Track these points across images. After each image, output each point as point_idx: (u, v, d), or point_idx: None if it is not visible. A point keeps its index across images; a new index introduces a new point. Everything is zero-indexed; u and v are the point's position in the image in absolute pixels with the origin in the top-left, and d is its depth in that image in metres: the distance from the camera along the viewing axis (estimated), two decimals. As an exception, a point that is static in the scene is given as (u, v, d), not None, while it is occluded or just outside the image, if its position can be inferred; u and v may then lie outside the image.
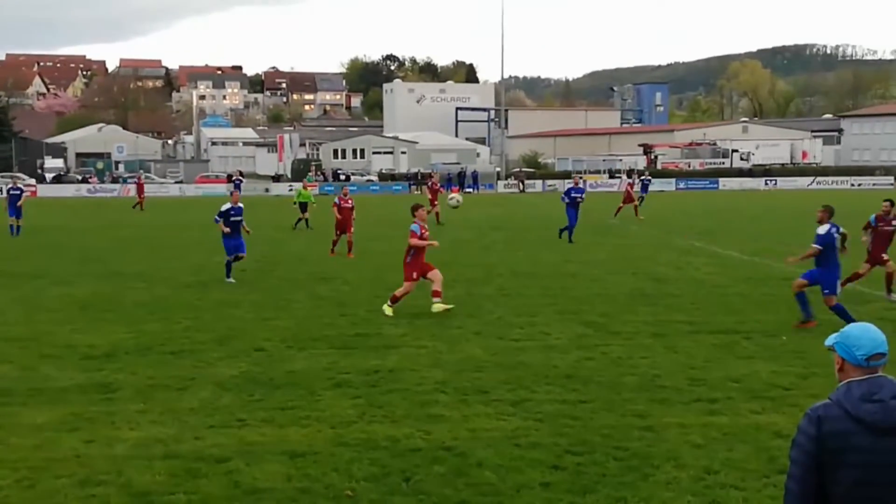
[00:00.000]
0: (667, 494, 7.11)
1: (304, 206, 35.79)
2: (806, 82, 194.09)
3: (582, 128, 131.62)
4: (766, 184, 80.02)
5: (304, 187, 38.76)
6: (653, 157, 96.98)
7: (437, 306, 15.00)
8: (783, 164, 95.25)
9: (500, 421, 9.10)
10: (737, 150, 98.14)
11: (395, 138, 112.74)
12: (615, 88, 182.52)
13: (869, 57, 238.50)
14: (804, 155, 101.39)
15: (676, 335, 13.42)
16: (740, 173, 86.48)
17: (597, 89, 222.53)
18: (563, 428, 8.82)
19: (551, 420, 9.09)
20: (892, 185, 77.57)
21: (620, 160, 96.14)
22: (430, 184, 40.33)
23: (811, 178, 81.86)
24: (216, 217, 19.79)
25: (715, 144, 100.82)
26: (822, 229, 13.55)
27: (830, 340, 3.77)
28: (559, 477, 7.49)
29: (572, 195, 28.88)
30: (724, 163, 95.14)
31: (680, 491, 7.17)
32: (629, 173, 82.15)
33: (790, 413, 9.03)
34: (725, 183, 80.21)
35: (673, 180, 79.29)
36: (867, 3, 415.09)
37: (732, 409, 9.44)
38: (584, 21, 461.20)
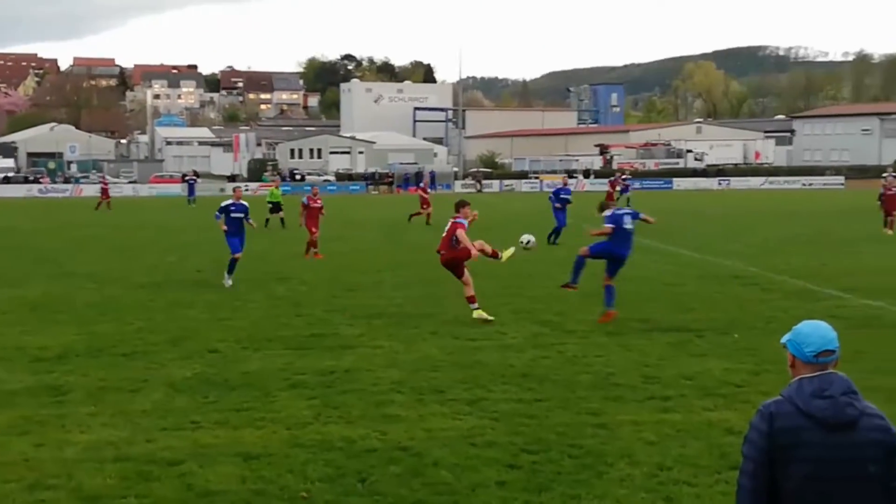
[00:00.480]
0: (621, 491, 7.16)
1: (276, 206, 35.53)
2: (759, 83, 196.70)
3: (539, 128, 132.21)
4: (720, 184, 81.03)
5: (276, 186, 38.54)
6: (609, 157, 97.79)
7: (481, 312, 14.49)
8: (736, 165, 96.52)
9: (457, 420, 9.11)
10: (691, 151, 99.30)
11: (353, 138, 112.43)
12: (572, 89, 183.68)
13: (821, 59, 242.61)
14: (757, 155, 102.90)
15: (631, 333, 13.52)
16: (694, 173, 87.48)
17: (554, 90, 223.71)
18: (519, 427, 8.84)
19: (507, 419, 9.11)
20: (842, 185, 78.94)
21: (577, 160, 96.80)
22: (421, 185, 39.92)
23: (763, 179, 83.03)
24: (217, 213, 19.23)
25: (669, 145, 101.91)
26: (608, 212, 14.58)
27: (785, 338, 3.83)
28: (515, 476, 7.51)
29: (561, 196, 28.45)
30: (678, 163, 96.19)
31: (633, 488, 7.23)
32: (586, 173, 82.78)
33: (742, 410, 9.14)
34: (680, 183, 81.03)
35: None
36: (819, 5, 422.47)
37: (685, 407, 9.54)
38: (541, 22, 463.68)
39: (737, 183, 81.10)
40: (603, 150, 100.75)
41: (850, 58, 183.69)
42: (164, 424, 8.98)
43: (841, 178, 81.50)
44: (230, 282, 18.66)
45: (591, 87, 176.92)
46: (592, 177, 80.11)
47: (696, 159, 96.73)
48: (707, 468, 7.63)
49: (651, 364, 11.49)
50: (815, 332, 3.75)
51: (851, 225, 33.87)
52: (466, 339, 13.19)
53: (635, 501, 6.98)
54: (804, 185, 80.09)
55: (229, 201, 19.22)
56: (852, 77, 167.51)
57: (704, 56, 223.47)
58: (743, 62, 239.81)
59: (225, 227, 18.85)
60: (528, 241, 16.46)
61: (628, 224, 14.46)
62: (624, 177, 49.90)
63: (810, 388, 3.64)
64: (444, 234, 15.04)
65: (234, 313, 15.51)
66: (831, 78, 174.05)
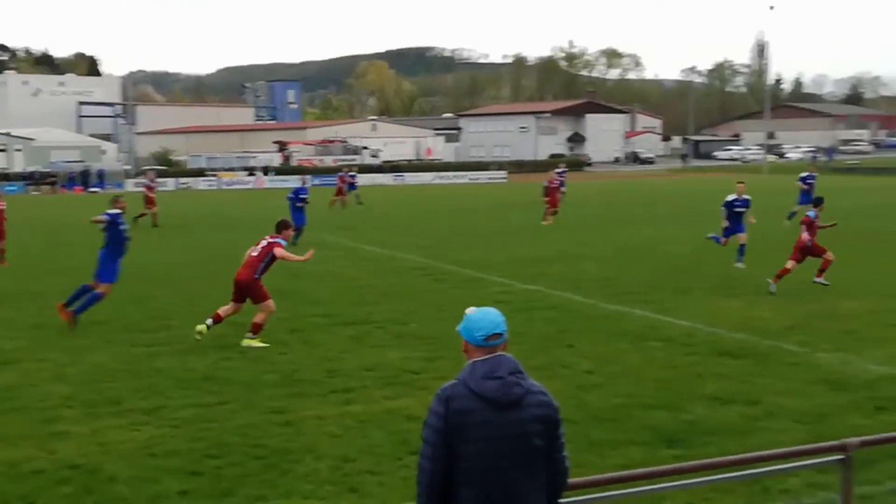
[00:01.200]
0: (307, 487, 7.19)
1: None
2: (428, 83, 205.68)
3: (215, 124, 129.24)
4: (395, 179, 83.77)
5: None
6: (287, 154, 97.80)
7: (252, 342, 12.54)
8: (410, 161, 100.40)
9: (134, 431, 8.69)
10: (367, 147, 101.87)
11: (9, 135, 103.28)
12: (247, 85, 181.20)
13: (483, 60, 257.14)
14: (429, 151, 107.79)
15: (313, 329, 13.63)
16: (371, 169, 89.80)
17: (229, 86, 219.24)
18: (201, 432, 8.61)
19: (188, 425, 8.83)
20: (504, 179, 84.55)
21: (255, 157, 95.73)
22: (146, 185, 37.35)
23: (434, 174, 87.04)
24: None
25: (346, 142, 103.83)
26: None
27: (459, 326, 4.02)
28: (198, 483, 7.30)
29: (301, 196, 28.42)
30: (355, 159, 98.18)
31: (319, 482, 7.29)
32: (265, 170, 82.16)
33: (420, 396, 9.51)
34: (357, 179, 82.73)
35: (309, 177, 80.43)
36: (481, 11, 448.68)
37: (367, 397, 9.77)
38: (214, 16, 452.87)
39: (410, 178, 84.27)
40: (282, 146, 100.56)
41: (509, 60, 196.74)
42: None
43: (504, 173, 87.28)
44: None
45: (267, 84, 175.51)
46: (273, 174, 79.68)
47: (371, 156, 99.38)
48: (389, 455, 7.87)
49: (333, 358, 11.65)
50: (485, 317, 3.98)
51: (513, 216, 36.38)
52: (144, 345, 12.61)
53: (321, 495, 7.05)
54: (471, 179, 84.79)
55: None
56: (511, 78, 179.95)
57: (377, 55, 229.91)
58: (413, 62, 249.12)
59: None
60: None
61: (123, 225, 14.74)
62: (350, 174, 50.24)
63: (482, 371, 3.86)
64: (252, 255, 13.24)
65: None
66: (493, 79, 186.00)
